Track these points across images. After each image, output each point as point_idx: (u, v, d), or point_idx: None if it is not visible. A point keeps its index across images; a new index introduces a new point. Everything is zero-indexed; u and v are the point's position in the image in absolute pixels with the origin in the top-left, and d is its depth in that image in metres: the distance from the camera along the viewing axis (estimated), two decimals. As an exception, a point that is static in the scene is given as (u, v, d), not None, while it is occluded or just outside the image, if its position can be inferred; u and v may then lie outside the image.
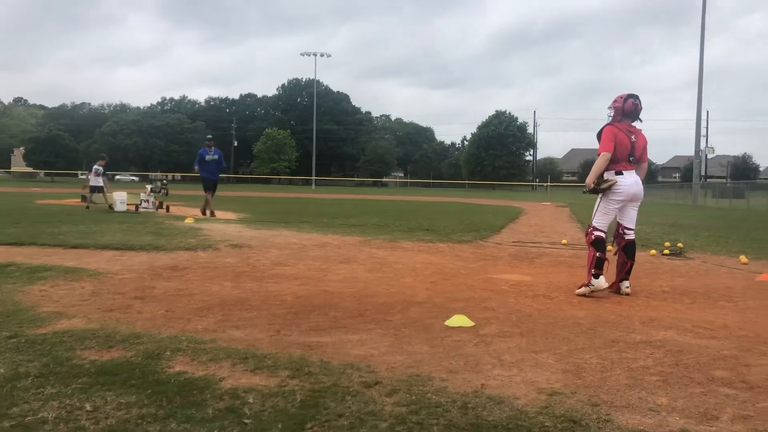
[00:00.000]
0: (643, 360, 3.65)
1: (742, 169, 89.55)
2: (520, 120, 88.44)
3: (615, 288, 6.00)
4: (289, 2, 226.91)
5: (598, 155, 5.94)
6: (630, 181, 5.93)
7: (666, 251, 9.60)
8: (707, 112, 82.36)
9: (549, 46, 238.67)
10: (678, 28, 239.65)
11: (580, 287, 5.93)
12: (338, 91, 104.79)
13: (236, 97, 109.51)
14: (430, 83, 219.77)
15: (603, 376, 3.30)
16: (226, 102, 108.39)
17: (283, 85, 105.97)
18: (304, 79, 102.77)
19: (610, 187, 5.90)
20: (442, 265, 7.81)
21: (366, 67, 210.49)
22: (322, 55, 73.46)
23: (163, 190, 17.77)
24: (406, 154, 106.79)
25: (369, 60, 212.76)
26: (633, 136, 5.93)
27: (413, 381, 3.09)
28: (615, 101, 6.05)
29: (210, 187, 15.78)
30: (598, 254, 5.84)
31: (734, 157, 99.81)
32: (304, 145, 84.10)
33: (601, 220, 6.02)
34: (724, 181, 68.36)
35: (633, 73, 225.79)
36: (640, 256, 9.29)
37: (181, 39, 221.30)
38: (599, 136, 5.99)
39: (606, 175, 5.95)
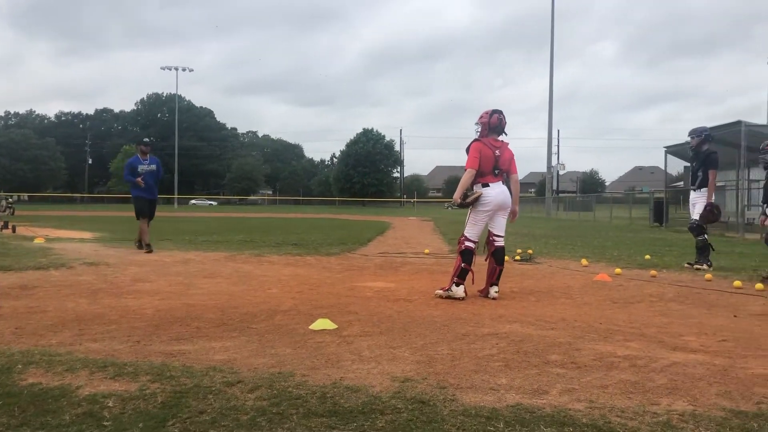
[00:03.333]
0: (488, 349, 3.99)
1: (590, 184, 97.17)
2: (387, 138, 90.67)
3: (485, 292, 6.34)
4: (154, 15, 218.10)
5: (465, 171, 6.28)
6: (496, 192, 6.26)
7: (518, 257, 10.31)
8: (558, 131, 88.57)
9: (417, 67, 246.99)
10: (536, 54, 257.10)
11: (440, 289, 6.28)
12: (201, 107, 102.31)
13: (91, 112, 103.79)
14: (301, 100, 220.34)
15: (452, 364, 3.58)
16: (79, 117, 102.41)
17: (142, 100, 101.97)
18: (165, 94, 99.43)
19: (477, 200, 6.23)
20: (309, 276, 7.94)
21: (235, 83, 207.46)
22: (184, 70, 71.42)
23: (8, 210, 16.54)
24: (274, 171, 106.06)
25: (238, 76, 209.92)
26: (497, 150, 6.26)
27: (275, 378, 3.19)
28: (481, 117, 6.38)
29: (145, 210, 11.25)
30: (463, 265, 6.19)
31: (583, 173, 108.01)
32: (166, 162, 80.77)
33: (472, 231, 6.32)
34: (574, 195, 73.64)
35: (495, 95, 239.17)
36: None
37: (31, 50, 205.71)
38: (467, 151, 6.34)
39: (474, 189, 6.30)
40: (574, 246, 13.52)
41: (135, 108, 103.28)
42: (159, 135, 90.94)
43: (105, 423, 2.57)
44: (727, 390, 3.15)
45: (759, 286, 7.02)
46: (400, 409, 2.76)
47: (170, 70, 70.76)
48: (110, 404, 2.78)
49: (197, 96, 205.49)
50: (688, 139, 9.63)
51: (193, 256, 10.11)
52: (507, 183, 6.48)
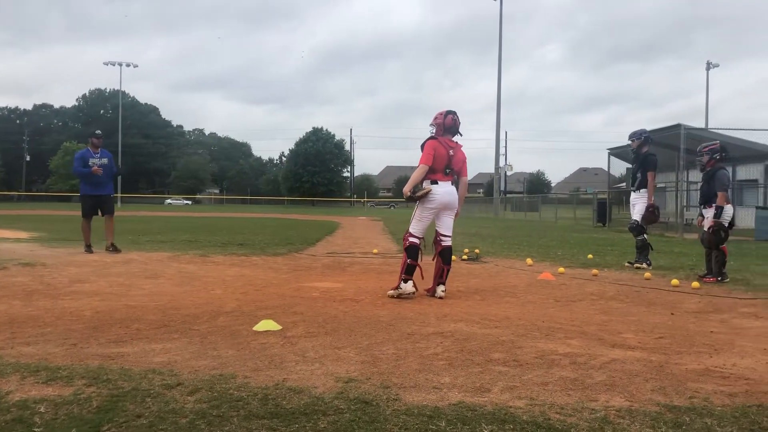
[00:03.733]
0: (433, 348, 4.01)
1: (537, 185, 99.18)
2: (337, 137, 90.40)
3: (432, 291, 6.37)
4: (98, 8, 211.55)
5: (418, 166, 6.31)
6: (444, 191, 6.30)
7: (465, 257, 10.42)
8: (506, 132, 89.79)
9: (368, 66, 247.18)
10: (484, 56, 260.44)
11: (392, 289, 6.29)
12: (146, 103, 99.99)
13: (30, 107, 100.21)
14: (250, 98, 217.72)
15: (397, 364, 3.58)
16: (17, 112, 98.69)
17: (84, 96, 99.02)
18: (108, 90, 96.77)
19: (425, 195, 6.26)
20: (254, 276, 7.84)
21: (182, 79, 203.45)
22: (128, 65, 69.57)
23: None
24: (221, 170, 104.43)
25: (187, 73, 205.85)
26: (451, 150, 6.32)
27: (216, 380, 3.13)
28: (436, 117, 6.43)
29: (92, 208, 10.53)
30: (409, 261, 6.21)
31: (530, 174, 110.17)
32: (110, 160, 78.81)
33: (417, 227, 6.35)
34: (521, 195, 74.95)
35: (444, 96, 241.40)
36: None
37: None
38: (422, 147, 6.36)
39: (423, 185, 6.33)
40: (520, 246, 13.75)
41: (76, 104, 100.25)
42: (102, 132, 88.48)
43: (36, 429, 2.47)
44: (662, 386, 3.25)
45: (695, 284, 7.27)
46: (343, 409, 2.74)
47: (114, 65, 68.83)
48: (42, 410, 2.67)
49: (143, 92, 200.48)
50: (629, 141, 9.92)
51: (136, 256, 9.86)
52: (456, 184, 6.53)
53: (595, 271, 8.58)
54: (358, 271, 8.64)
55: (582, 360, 3.76)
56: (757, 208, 19.24)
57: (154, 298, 5.91)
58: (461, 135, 6.48)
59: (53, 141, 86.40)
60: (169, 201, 79.96)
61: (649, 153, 9.51)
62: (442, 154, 6.28)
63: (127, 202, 70.55)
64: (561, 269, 8.74)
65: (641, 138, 9.61)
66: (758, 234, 17.81)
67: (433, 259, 6.46)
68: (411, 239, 6.32)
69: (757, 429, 2.64)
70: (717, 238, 7.72)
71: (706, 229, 7.91)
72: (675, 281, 7.52)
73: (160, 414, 2.65)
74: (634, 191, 9.62)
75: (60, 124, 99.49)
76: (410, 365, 3.56)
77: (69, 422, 2.55)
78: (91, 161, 10.46)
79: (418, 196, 6.28)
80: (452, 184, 6.44)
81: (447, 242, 6.44)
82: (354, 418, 2.64)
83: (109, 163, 10.76)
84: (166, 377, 3.17)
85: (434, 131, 6.44)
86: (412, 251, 6.26)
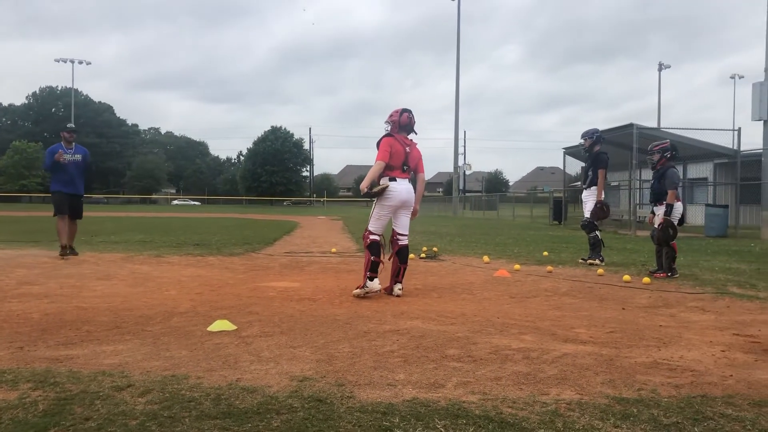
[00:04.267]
0: (389, 346, 4.02)
1: (495, 184, 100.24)
2: (296, 136, 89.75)
3: (389, 290, 6.38)
4: (49, 4, 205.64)
5: (375, 162, 6.31)
6: (401, 188, 6.31)
7: (423, 255, 10.47)
8: (465, 132, 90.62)
9: (328, 65, 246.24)
10: (444, 56, 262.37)
11: (356, 288, 6.28)
12: (100, 102, 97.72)
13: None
14: (207, 97, 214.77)
15: (352, 362, 3.59)
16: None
17: (34, 94, 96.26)
18: (60, 88, 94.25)
19: (382, 192, 6.25)
20: (210, 277, 7.73)
21: (138, 78, 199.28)
22: (80, 62, 67.90)
23: None
24: (177, 170, 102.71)
25: (142, 71, 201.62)
26: (408, 148, 6.35)
27: (168, 381, 3.09)
28: (391, 115, 6.44)
29: (65, 206, 9.83)
30: (372, 258, 6.21)
31: (488, 173, 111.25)
32: (61, 160, 76.76)
33: (375, 225, 6.34)
34: (479, 194, 75.68)
35: (404, 95, 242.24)
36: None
37: None
38: (378, 145, 6.36)
39: (381, 181, 6.33)
40: (477, 243, 13.89)
41: (26, 102, 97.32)
42: (53, 131, 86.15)
43: (-23, 435, 2.40)
44: (611, 378, 3.32)
45: (646, 280, 7.45)
46: (297, 408, 2.73)
47: (66, 62, 67.12)
48: (-16, 415, 2.59)
49: (97, 91, 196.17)
50: (581, 141, 10.11)
51: (88, 257, 9.63)
52: (413, 182, 6.56)
53: (549, 267, 8.73)
54: (316, 271, 8.60)
55: (535, 355, 3.82)
56: (707, 205, 19.83)
57: (106, 300, 5.79)
58: (416, 133, 6.52)
59: (2, 140, 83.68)
60: (175, 202, 79.36)
61: (601, 151, 9.72)
62: (399, 151, 6.30)
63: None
64: (517, 266, 8.86)
65: (593, 137, 9.81)
66: (708, 231, 18.36)
67: (389, 259, 6.47)
68: (371, 237, 6.32)
69: (701, 418, 2.72)
70: (666, 235, 7.92)
71: (656, 226, 8.12)
72: (627, 277, 7.70)
73: (109, 416, 2.59)
74: (586, 189, 9.82)
75: (9, 122, 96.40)
76: (365, 363, 3.57)
77: (14, 427, 2.48)
78: (65, 157, 9.76)
79: (375, 192, 6.27)
80: (409, 182, 6.47)
81: (404, 241, 6.45)
82: (308, 417, 2.63)
83: (82, 161, 10.06)
84: (117, 379, 3.11)
85: (389, 128, 6.46)
86: (374, 248, 6.27)
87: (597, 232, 9.53)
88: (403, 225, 6.47)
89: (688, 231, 17.64)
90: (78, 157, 10.01)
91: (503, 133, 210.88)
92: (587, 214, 9.64)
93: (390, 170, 6.30)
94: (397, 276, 6.39)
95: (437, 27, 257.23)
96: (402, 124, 6.42)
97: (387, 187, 6.25)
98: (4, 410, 2.66)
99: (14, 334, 4.27)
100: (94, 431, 2.45)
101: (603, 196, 9.62)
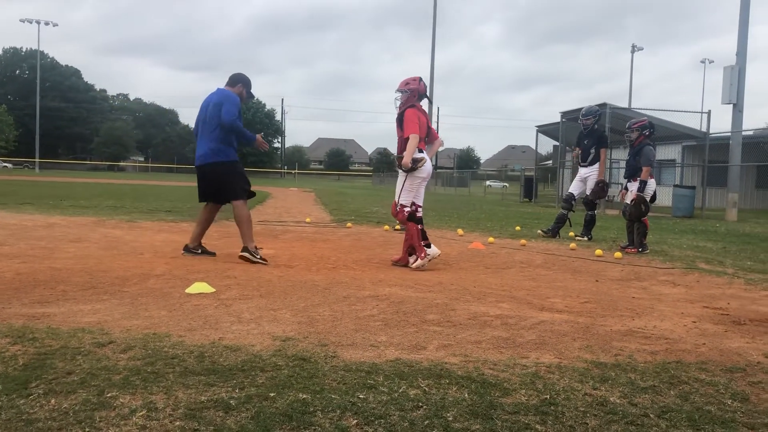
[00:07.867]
0: (369, 310, 4.04)
1: (466, 161, 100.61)
2: (268, 107, 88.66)
3: (404, 260, 6.30)
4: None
5: (406, 138, 6.07)
6: (428, 160, 6.29)
7: (398, 227, 10.48)
8: (438, 108, 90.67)
9: (305, 37, 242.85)
10: (424, 31, 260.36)
11: (415, 261, 6.14)
12: (67, 65, 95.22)
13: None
14: (180, 64, 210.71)
15: (333, 324, 3.60)
16: None
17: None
18: (24, 49, 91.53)
19: (419, 166, 6.15)
20: (184, 242, 7.62)
21: (109, 42, 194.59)
22: (47, 24, 65.69)
23: None
24: (146, 137, 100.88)
25: (114, 35, 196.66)
26: (425, 117, 6.29)
27: (149, 339, 3.07)
28: (409, 83, 6.24)
29: None
30: (420, 227, 6.19)
31: (460, 150, 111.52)
32: (25, 123, 74.83)
33: (406, 197, 6.22)
34: (451, 171, 75.83)
35: (382, 69, 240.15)
36: (374, 231, 10.05)
37: None
38: (401, 119, 6.17)
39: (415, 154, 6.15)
40: (450, 218, 13.97)
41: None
42: (18, 93, 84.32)
43: (-43, 387, 2.36)
44: (588, 344, 3.39)
45: (618, 254, 7.59)
46: (281, 366, 2.74)
47: (31, 23, 64.87)
48: (-37, 368, 2.55)
49: (67, 54, 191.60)
50: (583, 119, 10.01)
51: (58, 220, 9.47)
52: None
53: (523, 241, 8.83)
54: (291, 239, 8.58)
55: (513, 321, 3.87)
56: (675, 186, 20.19)
57: (80, 261, 5.70)
58: (430, 101, 6.46)
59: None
60: None
61: (603, 131, 9.80)
62: (424, 122, 6.22)
63: (47, 168, 67.40)
64: (491, 239, 8.94)
65: (596, 115, 9.88)
66: (675, 211, 18.72)
67: (398, 229, 6.38)
68: (406, 209, 6.24)
69: (676, 382, 2.79)
70: (638, 210, 8.06)
71: (629, 201, 8.24)
72: (599, 251, 7.82)
73: (91, 371, 2.57)
74: (586, 166, 9.79)
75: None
76: (347, 325, 3.58)
77: (-6, 380, 2.45)
78: None
79: (418, 167, 6.15)
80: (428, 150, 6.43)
81: (421, 213, 6.40)
82: (292, 374, 2.64)
83: None
84: (97, 336, 3.08)
85: (405, 98, 6.26)
86: (415, 218, 6.22)
87: (595, 211, 9.66)
88: (422, 196, 6.41)
89: (656, 211, 17.95)
90: None
91: (477, 110, 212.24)
92: (588, 192, 9.69)
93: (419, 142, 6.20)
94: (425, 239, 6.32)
95: (418, 0, 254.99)
96: (421, 92, 6.29)
97: (423, 160, 6.18)
98: (-18, 364, 2.62)
99: (-13, 292, 4.19)
100: (78, 385, 2.43)
101: (603, 175, 9.72)
